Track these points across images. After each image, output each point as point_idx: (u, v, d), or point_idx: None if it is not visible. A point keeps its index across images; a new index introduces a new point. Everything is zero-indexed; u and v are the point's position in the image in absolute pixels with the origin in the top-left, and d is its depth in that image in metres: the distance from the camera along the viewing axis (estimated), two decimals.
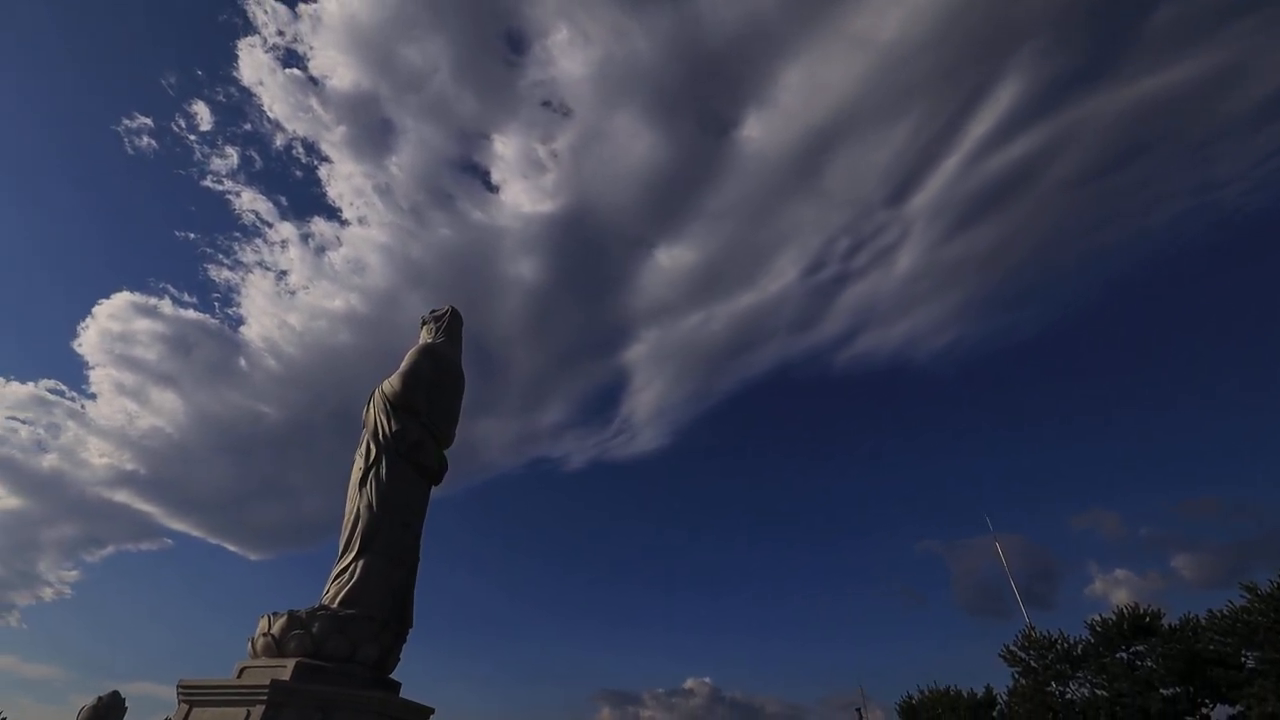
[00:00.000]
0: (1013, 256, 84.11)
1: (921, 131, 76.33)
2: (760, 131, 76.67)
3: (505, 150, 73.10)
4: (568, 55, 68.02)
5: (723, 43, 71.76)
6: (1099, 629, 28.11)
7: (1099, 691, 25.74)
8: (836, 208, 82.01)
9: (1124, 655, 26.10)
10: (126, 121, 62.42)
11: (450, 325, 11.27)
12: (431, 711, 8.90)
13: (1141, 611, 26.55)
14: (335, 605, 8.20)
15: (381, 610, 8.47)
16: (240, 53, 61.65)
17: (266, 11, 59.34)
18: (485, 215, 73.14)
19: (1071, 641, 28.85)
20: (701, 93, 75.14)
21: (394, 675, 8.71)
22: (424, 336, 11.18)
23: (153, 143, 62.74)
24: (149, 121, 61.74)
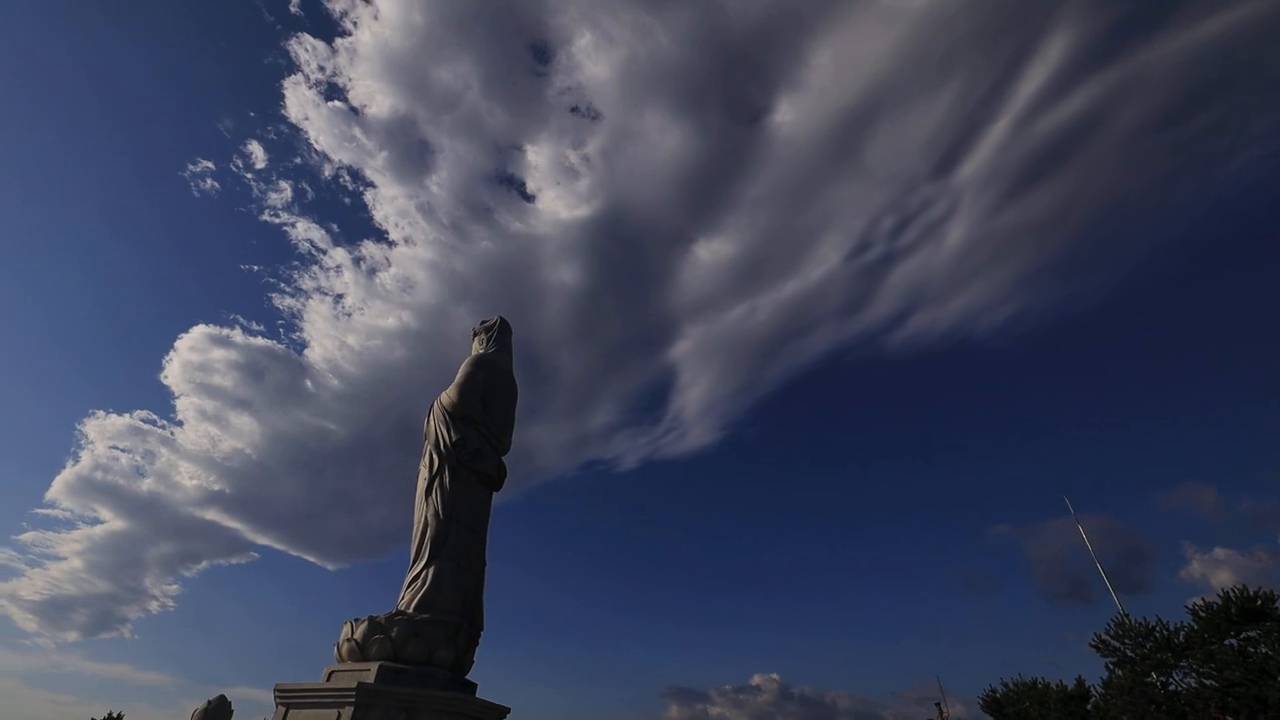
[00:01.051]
0: (1076, 220, 78.83)
1: (965, 98, 72.70)
2: (793, 115, 74.83)
3: (538, 159, 74.23)
4: (592, 59, 68.42)
5: (747, 29, 70.59)
6: (1203, 614, 25.89)
7: (1207, 681, 23.77)
8: (879, 185, 79.06)
9: (1234, 642, 24.03)
10: (191, 167, 67.31)
11: (500, 335, 11.55)
12: (507, 711, 9.14)
13: (1252, 594, 24.38)
14: (411, 610, 8.55)
15: (454, 614, 8.77)
16: (286, 91, 65.26)
17: (307, 50, 62.57)
18: (524, 225, 74.58)
19: (1172, 628, 26.74)
20: (729, 82, 74.09)
21: (470, 677, 9.01)
22: (476, 347, 11.50)
23: (215, 184, 67.34)
24: (211, 165, 66.29)
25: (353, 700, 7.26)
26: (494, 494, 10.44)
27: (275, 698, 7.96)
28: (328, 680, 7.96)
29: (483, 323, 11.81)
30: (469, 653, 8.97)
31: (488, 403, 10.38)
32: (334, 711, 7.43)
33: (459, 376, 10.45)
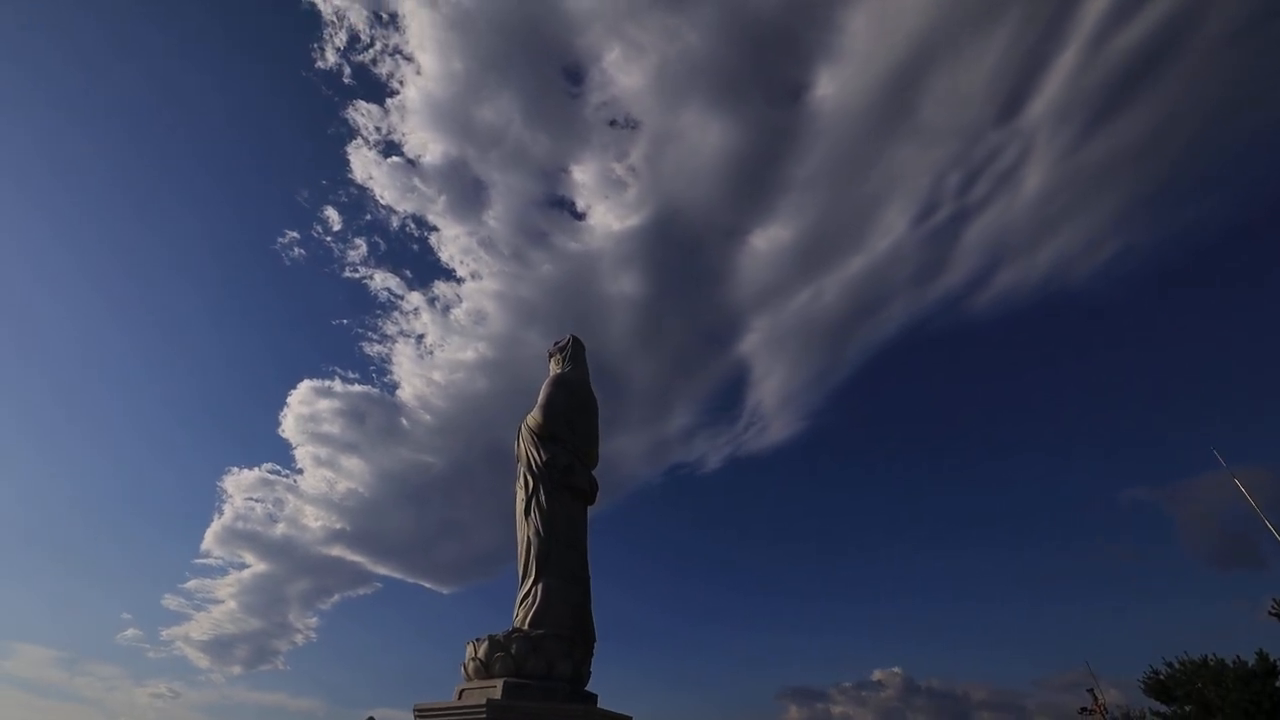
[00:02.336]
0: (1175, 141, 70.10)
1: (1022, 32, 66.89)
2: (834, 87, 71.90)
3: (584, 177, 75.74)
4: (624, 71, 69.11)
5: (774, 7, 68.79)
6: None
7: None
8: (939, 142, 74.18)
9: None
10: (280, 239, 74.38)
11: (574, 353, 11.85)
12: (630, 719, 9.25)
13: None
14: (526, 627, 8.88)
15: (566, 628, 9.01)
16: (350, 155, 70.71)
17: (363, 114, 67.64)
18: (579, 243, 76.25)
19: None
20: (762, 66, 72.38)
21: (589, 688, 9.22)
22: (553, 368, 11.85)
23: (301, 251, 74.16)
24: (296, 234, 73.09)
25: (484, 716, 7.62)
26: (588, 507, 10.68)
27: (415, 716, 8.49)
28: (459, 698, 8.41)
29: (556, 343, 12.16)
30: (586, 665, 9.17)
31: (571, 420, 10.66)
32: None
33: (541, 398, 10.80)
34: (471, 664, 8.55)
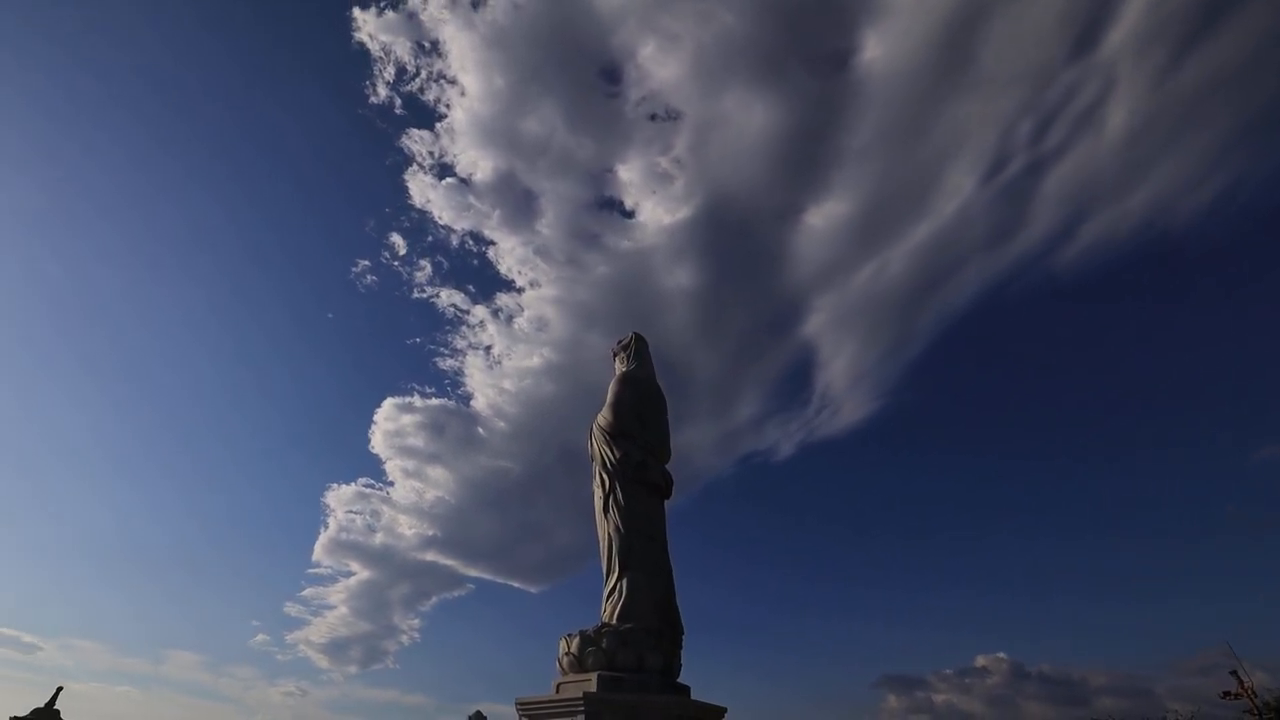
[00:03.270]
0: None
1: None
2: (883, 48, 68.20)
3: (631, 175, 75.90)
4: (660, 63, 68.53)
5: None
6: None
7: None
8: (1005, 89, 68.78)
9: None
10: (353, 269, 79.38)
11: (638, 349, 11.95)
12: (724, 711, 9.27)
13: None
14: (614, 622, 9.07)
15: (653, 621, 9.13)
16: (408, 182, 74.38)
17: (416, 141, 70.99)
18: (631, 241, 76.59)
19: None
20: (803, 37, 69.72)
21: (680, 680, 9.30)
22: (618, 367, 12.00)
23: (374, 278, 78.94)
24: (367, 263, 77.94)
25: (582, 709, 7.86)
26: (665, 501, 10.75)
27: (517, 710, 8.88)
28: (557, 692, 8.71)
29: (619, 342, 12.30)
30: (675, 656, 9.26)
31: (641, 416, 10.76)
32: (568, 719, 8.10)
33: (609, 397, 10.97)
34: (565, 659, 8.83)
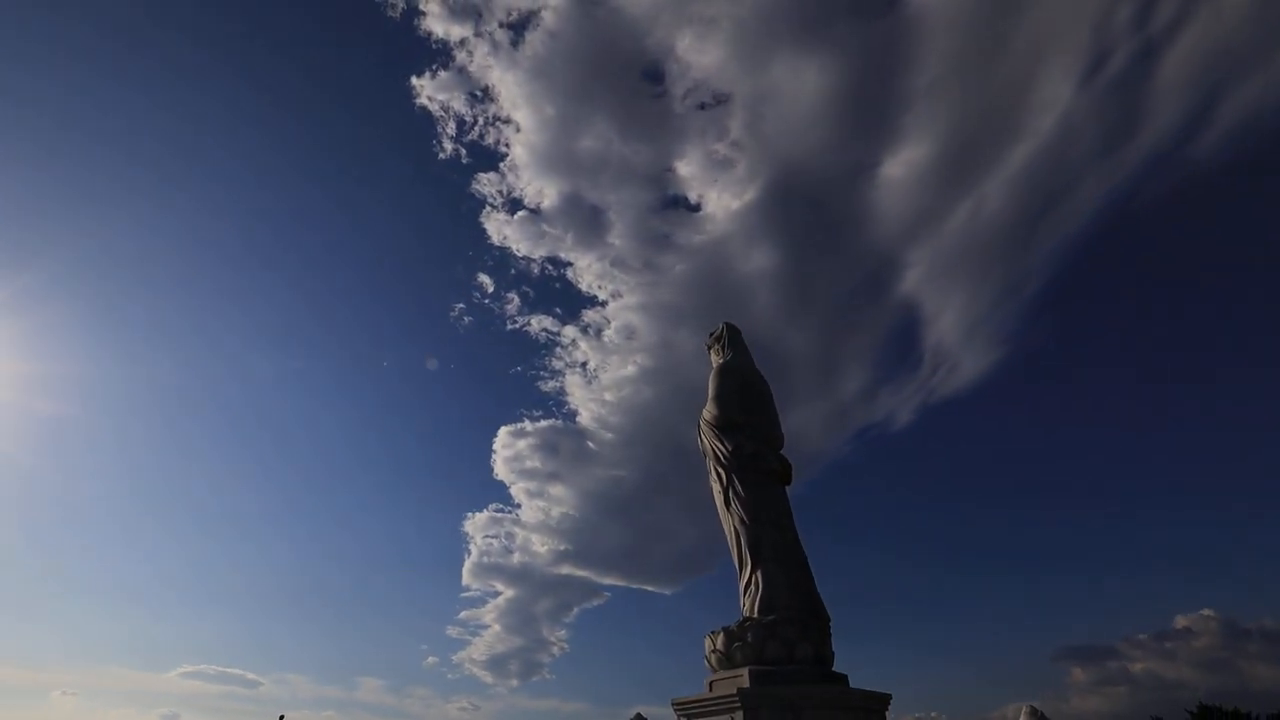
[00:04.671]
0: None
1: None
2: None
3: (690, 169, 75.34)
4: (699, 51, 67.44)
5: None
6: None
7: None
8: None
9: None
10: (451, 313, 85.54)
11: (731, 339, 11.75)
12: (889, 698, 8.79)
13: None
14: (757, 615, 8.92)
15: (796, 610, 8.88)
16: (485, 223, 79.02)
17: (484, 184, 75.48)
18: (702, 234, 75.91)
19: None
20: None
21: (836, 669, 8.95)
22: (714, 359, 11.87)
23: (470, 318, 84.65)
24: (462, 305, 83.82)
25: (739, 705, 7.78)
26: (786, 487, 10.45)
27: (674, 710, 8.98)
28: (710, 690, 8.71)
29: (711, 334, 12.18)
30: (826, 645, 8.93)
31: (746, 405, 10.56)
32: (726, 717, 8.06)
33: (711, 390, 10.87)
34: (714, 656, 8.82)
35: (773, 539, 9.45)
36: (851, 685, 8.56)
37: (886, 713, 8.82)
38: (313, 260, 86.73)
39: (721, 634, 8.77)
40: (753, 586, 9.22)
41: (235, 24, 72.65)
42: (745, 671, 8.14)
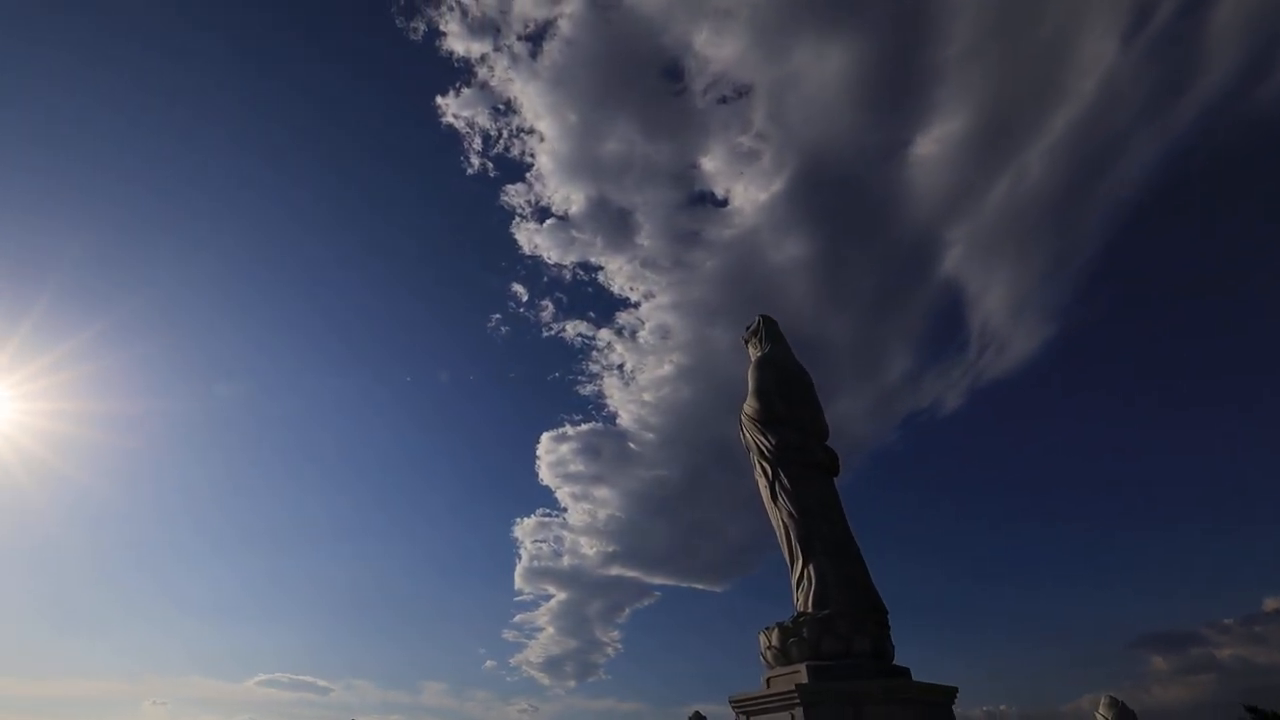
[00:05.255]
0: None
1: None
2: None
3: (715, 164, 74.78)
4: (717, 45, 66.86)
5: None
6: None
7: None
8: None
9: None
10: (488, 324, 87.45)
11: (768, 332, 11.62)
12: (954, 691, 8.53)
13: None
14: (810, 610, 8.79)
15: (851, 604, 8.70)
16: (515, 234, 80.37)
17: (512, 195, 76.93)
18: (731, 229, 75.26)
19: None
20: None
21: (897, 663, 8.74)
22: (752, 353, 11.76)
23: (506, 327, 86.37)
24: (498, 315, 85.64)
25: (798, 701, 7.69)
26: (834, 479, 10.27)
27: (733, 708, 8.94)
28: (768, 686, 8.63)
29: (747, 328, 12.07)
30: (885, 640, 8.73)
31: (787, 397, 10.42)
32: (786, 714, 7.97)
33: (751, 385, 10.77)
34: (769, 652, 8.73)
35: (823, 532, 9.29)
36: (914, 679, 8.34)
37: (953, 706, 8.56)
38: (352, 284, 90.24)
39: (776, 630, 8.68)
40: (805, 581, 9.09)
41: (258, 61, 76.31)
42: (803, 667, 8.04)
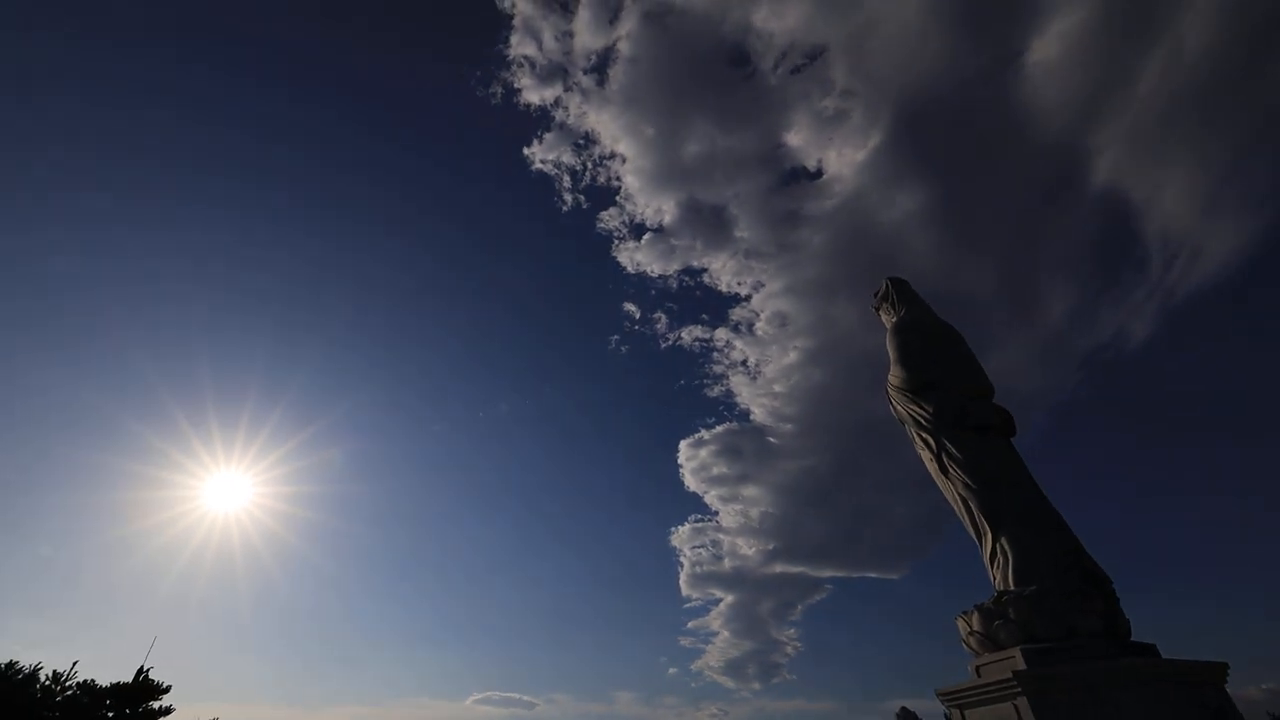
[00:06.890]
0: None
1: None
2: None
3: (800, 137, 71.56)
4: (778, 17, 64.35)
5: None
6: None
7: None
8: None
9: None
10: (609, 345, 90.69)
11: (900, 293, 10.76)
12: (1224, 667, 7.13)
13: None
14: (1013, 588, 7.87)
15: (1060, 576, 7.65)
16: (618, 255, 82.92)
17: (608, 221, 79.59)
18: (831, 197, 71.21)
19: None
20: None
21: (1136, 639, 7.50)
22: (886, 320, 10.96)
23: (626, 345, 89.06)
24: (617, 336, 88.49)
25: (1018, 690, 6.88)
26: (1010, 440, 9.16)
27: (942, 701, 8.21)
28: (979, 675, 7.83)
29: (875, 294, 11.28)
30: (1116, 613, 7.55)
31: (937, 359, 9.52)
32: (1008, 704, 7.17)
33: (892, 353, 10.02)
34: (972, 638, 7.94)
35: (1010, 499, 8.30)
36: (1163, 657, 7.10)
37: (1224, 686, 7.15)
38: (483, 337, 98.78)
39: (976, 613, 7.87)
40: (1000, 556, 8.16)
41: (369, 138, 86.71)
42: (1017, 652, 7.19)
